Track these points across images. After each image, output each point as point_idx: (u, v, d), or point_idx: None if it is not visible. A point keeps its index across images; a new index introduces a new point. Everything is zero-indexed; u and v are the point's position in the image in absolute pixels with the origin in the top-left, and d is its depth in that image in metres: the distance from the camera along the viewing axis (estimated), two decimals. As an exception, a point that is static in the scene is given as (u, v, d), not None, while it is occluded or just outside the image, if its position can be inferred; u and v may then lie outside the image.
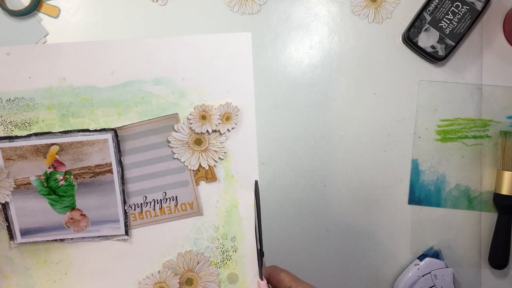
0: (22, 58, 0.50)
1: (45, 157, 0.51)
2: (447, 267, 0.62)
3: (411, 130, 0.65)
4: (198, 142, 0.52)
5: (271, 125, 0.64)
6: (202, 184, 0.53)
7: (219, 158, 0.52)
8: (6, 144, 0.50)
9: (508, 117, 0.65)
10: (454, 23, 0.63)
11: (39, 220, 0.52)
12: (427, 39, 0.63)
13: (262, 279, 0.50)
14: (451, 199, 0.64)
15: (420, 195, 0.64)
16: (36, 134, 0.51)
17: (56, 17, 0.63)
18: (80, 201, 0.53)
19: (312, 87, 0.64)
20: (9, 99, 0.50)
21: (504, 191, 0.62)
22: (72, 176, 0.52)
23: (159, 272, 0.52)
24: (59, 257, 0.54)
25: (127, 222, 0.53)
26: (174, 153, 0.52)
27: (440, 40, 0.63)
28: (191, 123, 0.51)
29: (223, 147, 0.52)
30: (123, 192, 0.53)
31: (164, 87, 0.51)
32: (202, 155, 0.52)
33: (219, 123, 0.51)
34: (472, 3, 0.63)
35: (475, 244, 0.64)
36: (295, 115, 0.64)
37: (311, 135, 0.64)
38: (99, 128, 0.51)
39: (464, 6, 0.63)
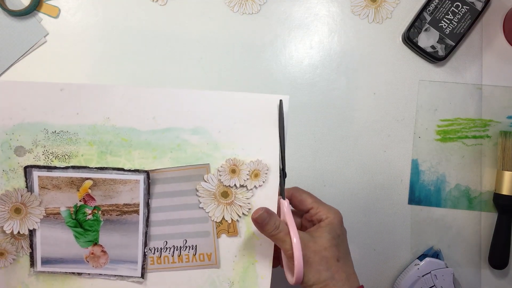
0: (73, 95, 0.52)
1: (78, 190, 0.53)
2: (447, 267, 0.62)
3: (411, 130, 0.65)
4: (225, 194, 0.53)
5: (271, 125, 0.64)
6: (223, 237, 0.53)
7: (243, 213, 0.53)
8: (44, 173, 0.52)
9: (508, 117, 0.65)
10: (454, 23, 0.63)
11: (61, 251, 0.54)
12: (427, 39, 0.63)
13: (284, 199, 0.50)
14: (451, 199, 0.64)
15: (420, 195, 0.64)
16: (73, 167, 0.52)
17: (56, 17, 0.63)
18: (103, 238, 0.54)
19: (312, 87, 0.64)
20: (55, 131, 0.52)
21: (504, 191, 0.62)
22: (100, 212, 0.53)
23: None
24: None
25: (144, 264, 0.54)
26: (200, 203, 0.53)
27: (440, 40, 0.63)
28: (220, 175, 0.52)
29: (249, 203, 0.52)
30: (145, 234, 0.53)
31: (200, 137, 0.52)
32: (227, 208, 0.53)
33: (247, 179, 0.52)
34: (472, 3, 0.63)
35: (475, 244, 0.64)
36: (295, 115, 0.64)
37: (311, 135, 0.64)
38: (133, 169, 0.52)
39: (464, 6, 0.63)
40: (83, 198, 0.53)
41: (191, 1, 0.64)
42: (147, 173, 0.53)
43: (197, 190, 0.53)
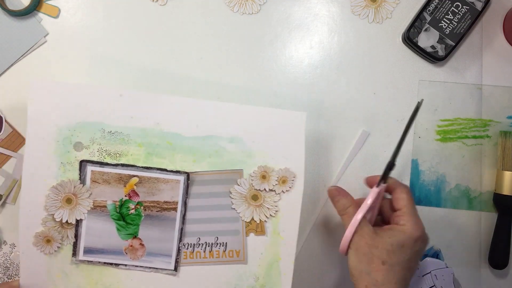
0: (131, 101, 0.58)
1: (125, 186, 0.58)
2: (447, 267, 0.62)
3: (411, 130, 0.64)
4: (255, 197, 0.58)
5: (271, 125, 0.64)
6: (251, 236, 0.58)
7: (271, 215, 0.58)
8: (97, 168, 0.58)
9: (508, 117, 0.65)
10: (454, 23, 0.63)
11: (103, 242, 0.58)
12: (427, 39, 0.63)
13: (378, 185, 0.52)
14: (451, 199, 0.64)
15: (420, 195, 0.64)
16: (123, 165, 0.58)
17: (56, 17, 0.63)
18: (143, 231, 0.59)
19: (312, 87, 0.64)
20: (111, 131, 0.58)
21: (504, 191, 0.62)
22: (142, 207, 0.58)
23: None
24: (110, 281, 0.59)
25: (178, 258, 0.59)
26: (232, 204, 0.58)
27: (440, 40, 0.63)
28: (252, 180, 0.58)
29: (276, 206, 0.58)
30: (181, 230, 0.58)
31: (236, 145, 0.58)
32: (256, 209, 0.58)
33: (276, 184, 0.58)
34: (472, 3, 0.63)
35: (475, 244, 0.64)
36: (295, 115, 0.64)
37: (311, 135, 0.64)
38: (175, 170, 0.58)
39: (464, 6, 0.63)
40: (128, 194, 0.58)
41: (191, 1, 0.64)
42: (187, 174, 0.58)
43: (230, 193, 0.58)
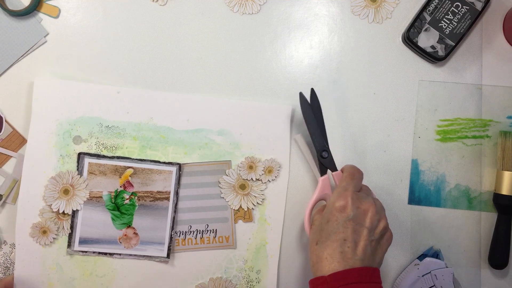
0: (127, 97, 0.62)
1: (120, 177, 0.61)
2: (447, 267, 0.62)
3: (411, 130, 0.65)
4: (243, 187, 0.62)
5: (271, 125, 0.64)
6: (240, 222, 0.62)
7: (258, 203, 0.62)
8: (94, 160, 0.61)
9: (508, 117, 0.65)
10: (454, 23, 0.63)
11: (98, 232, 0.61)
12: (427, 39, 0.63)
13: (321, 177, 0.58)
14: (451, 199, 0.64)
15: (420, 195, 0.64)
16: (118, 157, 0.62)
17: (56, 17, 0.63)
18: (137, 221, 0.62)
19: (312, 87, 0.64)
20: (108, 125, 0.62)
21: (504, 191, 0.62)
22: (136, 197, 0.62)
23: None
24: (104, 271, 0.62)
25: (170, 246, 0.62)
26: (221, 193, 0.62)
27: (440, 40, 0.63)
28: (240, 170, 0.62)
29: (263, 194, 0.62)
30: (173, 219, 0.62)
31: (225, 137, 0.62)
32: (244, 198, 0.62)
33: (262, 174, 0.62)
34: (472, 3, 0.63)
35: (475, 244, 0.64)
36: (294, 115, 0.64)
37: (311, 135, 0.64)
38: (167, 161, 0.62)
39: (464, 6, 0.63)
40: (123, 184, 0.61)
41: (191, 1, 0.64)
42: (179, 165, 0.62)
43: (219, 182, 0.62)
